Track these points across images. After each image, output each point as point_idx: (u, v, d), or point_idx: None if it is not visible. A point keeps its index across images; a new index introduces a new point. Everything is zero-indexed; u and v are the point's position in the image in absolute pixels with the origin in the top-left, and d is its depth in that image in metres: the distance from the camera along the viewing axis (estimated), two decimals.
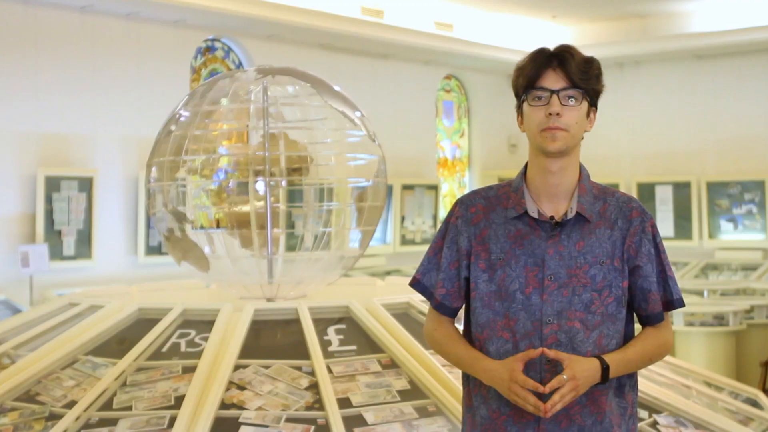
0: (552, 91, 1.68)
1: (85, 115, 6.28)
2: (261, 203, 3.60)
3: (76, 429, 2.75)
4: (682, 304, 1.80)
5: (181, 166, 3.53)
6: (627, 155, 9.15)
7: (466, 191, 10.31)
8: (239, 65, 7.35)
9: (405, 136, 8.42)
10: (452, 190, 9.46)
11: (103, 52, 6.40)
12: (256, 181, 3.58)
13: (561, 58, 1.70)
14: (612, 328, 1.73)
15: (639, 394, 3.25)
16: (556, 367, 1.69)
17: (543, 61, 1.71)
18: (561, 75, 1.69)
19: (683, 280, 8.05)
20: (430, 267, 1.84)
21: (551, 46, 1.75)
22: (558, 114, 1.68)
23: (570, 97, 1.69)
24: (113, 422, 2.77)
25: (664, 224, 8.75)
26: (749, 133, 8.75)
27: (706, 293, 7.43)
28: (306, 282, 3.68)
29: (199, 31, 6.98)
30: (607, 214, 1.75)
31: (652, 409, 3.20)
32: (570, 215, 1.73)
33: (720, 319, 6.43)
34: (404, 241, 8.41)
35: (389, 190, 8.12)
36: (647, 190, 8.85)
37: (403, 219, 8.40)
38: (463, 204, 1.82)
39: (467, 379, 1.82)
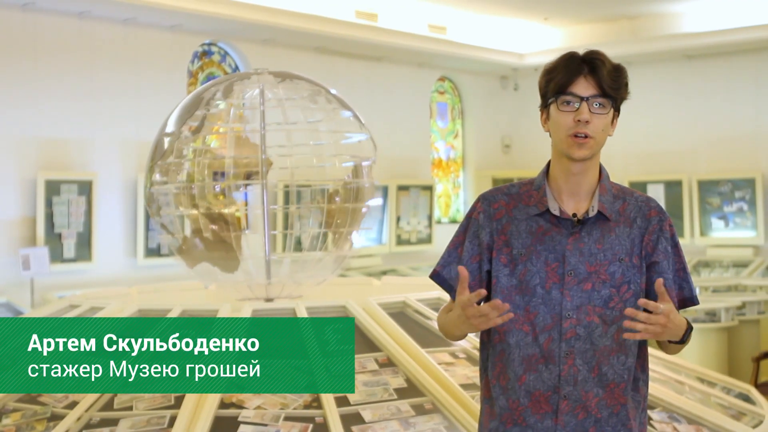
0: (582, 98, 1.72)
1: (84, 120, 6.29)
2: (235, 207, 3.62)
3: (77, 429, 2.77)
4: (697, 302, 1.85)
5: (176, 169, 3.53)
6: (619, 155, 9.13)
7: (461, 192, 10.37)
8: (235, 69, 7.36)
9: (400, 137, 8.42)
10: (447, 190, 9.51)
11: (101, 57, 6.41)
12: (247, 185, 3.61)
13: (592, 65, 1.73)
14: (630, 323, 1.73)
15: None
16: (574, 360, 1.74)
17: (575, 67, 1.74)
18: (592, 82, 1.72)
19: None
20: (451, 260, 1.86)
21: (581, 51, 1.78)
22: (587, 121, 1.72)
23: (598, 104, 1.73)
24: (114, 422, 2.79)
25: None
26: (739, 131, 8.76)
27: (698, 290, 7.47)
28: (304, 282, 3.70)
29: (195, 35, 6.99)
30: (627, 212, 1.79)
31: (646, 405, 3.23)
32: (591, 213, 1.77)
33: (712, 316, 6.47)
34: (400, 242, 8.44)
35: (384, 190, 8.15)
36: (639, 189, 8.74)
37: (398, 219, 8.43)
38: (485, 200, 1.85)
39: (485, 370, 1.85)
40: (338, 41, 7.59)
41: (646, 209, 1.80)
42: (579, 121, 1.71)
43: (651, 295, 1.78)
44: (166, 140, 3.56)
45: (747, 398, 3.76)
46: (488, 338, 1.83)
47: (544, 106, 1.78)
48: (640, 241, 1.78)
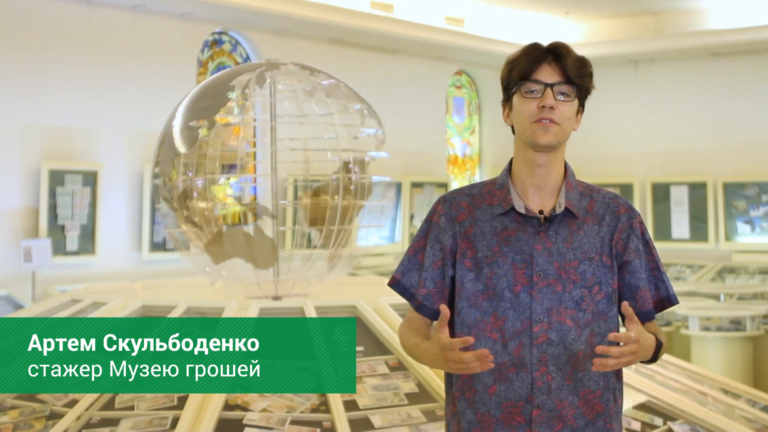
0: (546, 85, 1.68)
1: (90, 109, 6.25)
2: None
3: (77, 428, 2.75)
4: (676, 301, 1.79)
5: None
6: (641, 155, 9.08)
7: None
8: (247, 59, 7.34)
9: (414, 132, 8.40)
10: None
11: (109, 45, 6.37)
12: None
13: (556, 53, 1.71)
14: (603, 326, 1.71)
15: (654, 400, 3.26)
16: (547, 367, 1.67)
17: (538, 55, 1.71)
18: (556, 69, 1.69)
19: (699, 283, 7.96)
20: (411, 267, 1.80)
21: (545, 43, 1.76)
22: (551, 107, 1.68)
23: (563, 92, 1.69)
24: (115, 422, 2.77)
25: (679, 226, 8.68)
26: (767, 133, 8.63)
27: (722, 297, 7.35)
28: (312, 280, 3.69)
29: (206, 24, 6.96)
30: (595, 210, 1.75)
31: (667, 417, 3.18)
32: (559, 210, 1.72)
33: (737, 324, 6.34)
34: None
35: (398, 187, 8.07)
36: (662, 191, 8.76)
37: (412, 217, 8.35)
38: (446, 202, 1.79)
39: (450, 384, 1.78)
40: (353, 32, 7.55)
41: (615, 206, 1.76)
42: (543, 107, 1.68)
43: (623, 296, 1.75)
44: (192, 130, 3.49)
45: None
46: None
47: (507, 100, 1.75)
48: (609, 239, 1.74)
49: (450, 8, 8.38)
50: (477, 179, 9.61)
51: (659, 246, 10.13)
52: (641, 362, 1.70)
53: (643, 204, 8.98)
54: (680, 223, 8.68)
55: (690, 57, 8.87)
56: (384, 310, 3.35)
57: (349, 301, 3.40)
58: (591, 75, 1.72)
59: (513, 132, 1.75)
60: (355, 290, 3.98)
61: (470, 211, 1.76)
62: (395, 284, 1.81)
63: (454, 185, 9.20)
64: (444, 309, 1.61)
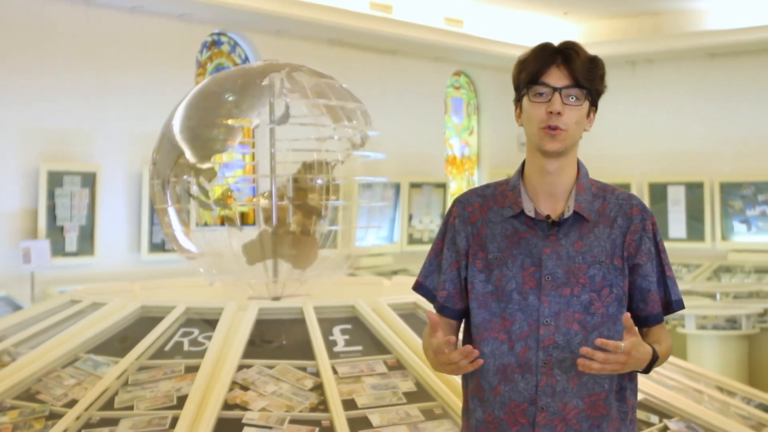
0: (554, 89, 1.66)
1: (89, 110, 6.22)
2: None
3: (76, 428, 2.74)
4: (681, 306, 1.77)
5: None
6: (639, 155, 9.05)
7: None
8: (245, 60, 7.30)
9: (413, 133, 8.37)
10: (461, 188, 9.37)
11: (107, 46, 6.34)
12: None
13: (566, 55, 1.68)
14: (612, 329, 1.69)
15: (649, 398, 3.26)
16: (552, 370, 1.67)
17: (547, 56, 1.68)
18: (565, 72, 1.67)
19: (695, 282, 7.96)
20: (432, 269, 1.82)
21: (556, 43, 1.73)
22: (559, 113, 1.66)
23: (572, 95, 1.67)
24: (114, 422, 2.75)
25: (676, 225, 8.67)
26: (763, 133, 8.64)
27: (718, 296, 7.35)
28: (312, 281, 3.66)
29: (204, 25, 6.93)
30: (607, 212, 1.73)
31: (663, 414, 3.18)
32: (567, 214, 1.71)
33: (732, 323, 6.36)
34: (411, 240, 8.33)
35: (396, 188, 8.05)
36: (659, 191, 8.75)
37: (410, 217, 8.33)
38: (460, 203, 1.80)
39: (465, 381, 1.80)
40: (352, 33, 7.52)
41: (628, 207, 1.74)
42: (551, 112, 1.66)
43: (634, 299, 1.74)
44: (229, 129, 3.48)
45: (767, 409, 3.73)
46: None
47: (518, 100, 1.73)
48: (621, 241, 1.72)
49: (449, 9, 8.34)
50: (475, 180, 9.58)
51: None
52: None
53: None
54: (677, 222, 8.67)
55: (687, 57, 8.85)
56: (382, 310, 3.35)
57: (347, 301, 3.40)
58: (602, 76, 1.70)
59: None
60: (354, 290, 3.97)
61: (482, 212, 1.76)
62: (419, 287, 1.83)
63: (453, 186, 9.19)
64: (431, 316, 1.64)
